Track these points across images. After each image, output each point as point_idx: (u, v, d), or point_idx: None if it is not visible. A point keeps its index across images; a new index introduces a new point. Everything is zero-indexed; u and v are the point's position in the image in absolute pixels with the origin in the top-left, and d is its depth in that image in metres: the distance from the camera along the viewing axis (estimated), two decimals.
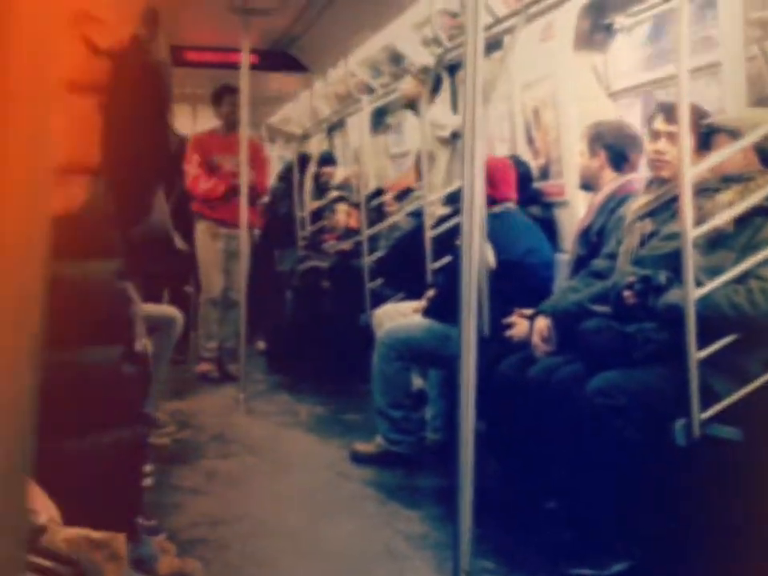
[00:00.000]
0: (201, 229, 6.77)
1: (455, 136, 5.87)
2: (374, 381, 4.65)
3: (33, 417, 0.49)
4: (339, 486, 4.22)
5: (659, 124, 3.58)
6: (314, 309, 6.80)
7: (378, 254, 6.21)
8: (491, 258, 4.35)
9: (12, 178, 0.52)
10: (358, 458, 4.58)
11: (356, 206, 7.13)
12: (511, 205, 4.70)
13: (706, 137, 3.35)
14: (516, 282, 4.38)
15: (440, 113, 6.03)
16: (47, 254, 0.52)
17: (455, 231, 4.91)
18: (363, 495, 4.08)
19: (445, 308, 4.39)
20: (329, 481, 4.29)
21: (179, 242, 5.24)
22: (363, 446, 4.64)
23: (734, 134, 3.21)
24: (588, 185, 4.23)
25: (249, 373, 6.03)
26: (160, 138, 1.55)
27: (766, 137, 3.16)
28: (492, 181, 4.55)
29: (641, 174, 4.16)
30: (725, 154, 3.17)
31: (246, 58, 5.82)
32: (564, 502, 3.38)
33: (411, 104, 6.19)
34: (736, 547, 2.98)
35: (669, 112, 3.53)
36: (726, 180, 3.22)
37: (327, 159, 9.03)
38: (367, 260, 6.18)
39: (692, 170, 3.00)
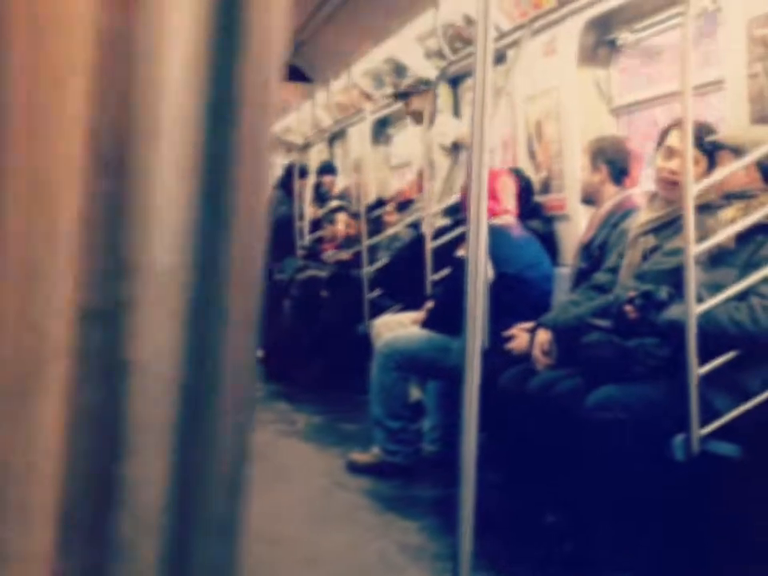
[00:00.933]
0: None
1: (456, 147, 5.89)
2: (372, 391, 4.65)
3: None
4: (336, 495, 4.22)
5: (674, 141, 3.55)
6: (312, 318, 6.80)
7: (378, 264, 6.22)
8: (489, 271, 4.35)
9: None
10: (355, 468, 4.58)
11: (355, 216, 7.14)
12: (510, 218, 4.72)
13: (711, 154, 3.36)
14: (515, 294, 4.39)
15: (442, 120, 6.05)
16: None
17: (455, 243, 4.94)
18: (360, 505, 4.08)
19: (444, 319, 4.40)
20: (326, 490, 4.28)
21: None
22: (360, 456, 4.63)
23: (737, 151, 3.22)
24: (589, 199, 4.26)
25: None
26: None
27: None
28: (492, 193, 4.57)
29: (641, 188, 4.17)
30: (726, 172, 3.18)
31: None
32: (564, 515, 3.38)
33: (415, 115, 6.21)
34: (735, 562, 2.98)
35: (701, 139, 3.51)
36: (729, 197, 3.23)
37: (327, 169, 9.06)
38: (366, 270, 6.18)
39: (695, 187, 3.01)
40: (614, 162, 4.08)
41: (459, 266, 2.64)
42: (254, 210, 0.52)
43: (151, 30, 0.50)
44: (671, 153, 3.55)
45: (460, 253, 4.50)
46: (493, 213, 4.56)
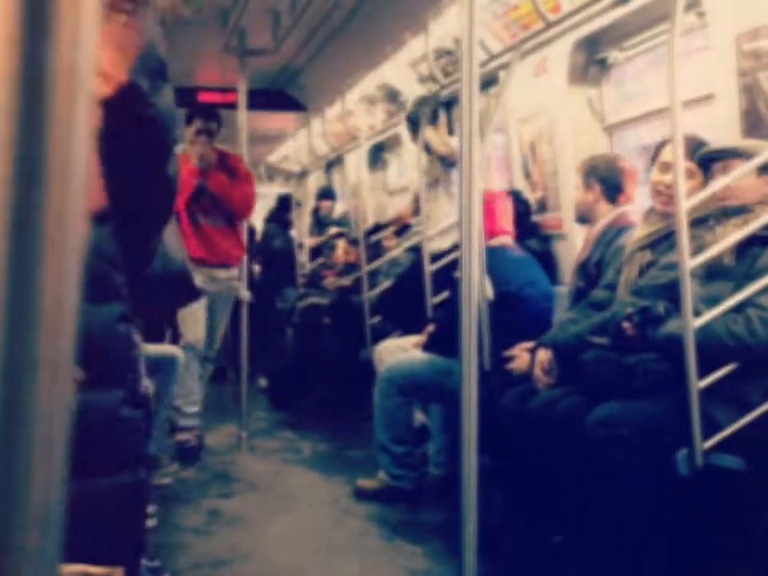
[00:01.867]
0: None
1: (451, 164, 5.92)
2: (376, 416, 4.65)
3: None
4: (343, 522, 4.21)
5: (669, 156, 3.55)
6: (314, 345, 6.80)
7: (378, 289, 6.23)
8: (489, 291, 4.36)
9: None
10: (362, 494, 4.57)
11: (354, 242, 7.16)
12: (508, 239, 4.73)
13: (706, 167, 3.36)
14: (515, 313, 4.39)
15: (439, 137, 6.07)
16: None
17: (454, 265, 4.95)
18: (367, 531, 4.07)
19: (444, 341, 4.41)
20: (333, 518, 4.28)
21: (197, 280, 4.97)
22: (366, 482, 4.63)
23: (744, 156, 3.20)
24: (584, 217, 4.26)
25: (251, 410, 6.02)
26: (163, 182, 1.56)
27: None
28: (489, 215, 4.59)
29: (636, 205, 4.19)
30: (732, 177, 3.17)
31: (242, 98, 5.87)
32: (569, 534, 3.37)
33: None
34: (742, 575, 2.97)
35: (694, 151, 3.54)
36: (729, 213, 3.22)
37: (326, 194, 9.10)
38: (367, 296, 6.20)
39: (688, 201, 3.02)
40: (607, 180, 4.10)
41: (459, 288, 2.65)
42: (68, 246, 0.52)
43: None
44: (666, 167, 3.56)
45: (458, 274, 4.51)
46: (491, 234, 4.58)
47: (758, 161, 3.16)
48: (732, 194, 3.24)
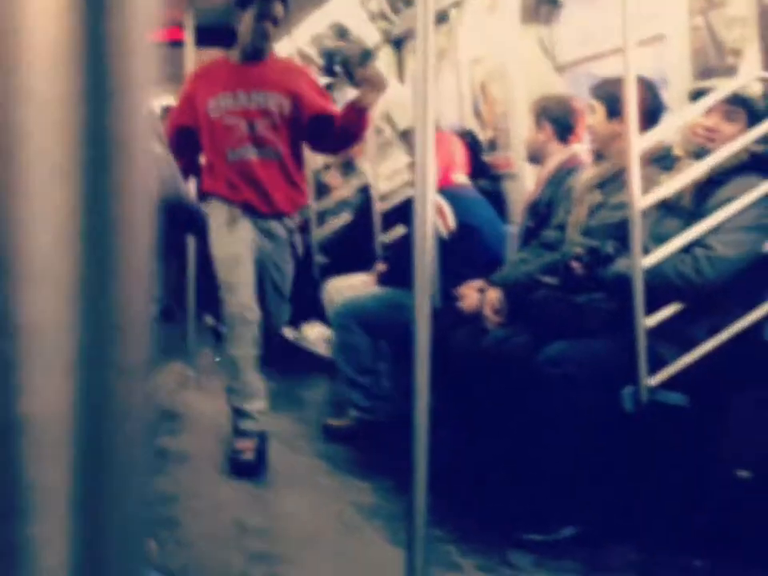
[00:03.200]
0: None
1: (405, 134, 5.84)
2: (336, 353, 4.57)
3: None
4: (290, 459, 4.22)
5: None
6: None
7: (327, 228, 6.20)
8: (451, 221, 4.37)
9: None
10: (331, 434, 4.50)
11: None
12: (465, 178, 4.72)
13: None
14: (476, 246, 4.40)
15: (392, 96, 6.00)
16: None
17: (404, 204, 4.94)
18: (315, 468, 4.09)
19: (398, 278, 4.42)
20: (281, 454, 4.28)
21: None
22: (336, 421, 4.59)
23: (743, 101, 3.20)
24: (535, 157, 4.27)
25: (198, 348, 6.00)
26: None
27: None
28: (445, 156, 4.58)
29: (586, 145, 4.19)
30: (695, 111, 3.17)
31: (189, 35, 5.75)
32: (514, 469, 3.41)
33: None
34: (682, 511, 3.04)
35: (597, 87, 3.59)
36: (700, 154, 3.20)
37: None
38: (315, 234, 6.16)
39: (639, 143, 3.04)
40: (559, 120, 4.10)
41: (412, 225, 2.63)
42: (138, 253, 0.52)
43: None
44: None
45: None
46: (447, 175, 4.58)
47: (716, 95, 3.15)
48: (714, 138, 3.22)
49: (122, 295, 0.52)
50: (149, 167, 0.53)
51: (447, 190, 4.41)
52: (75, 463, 0.51)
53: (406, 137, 5.81)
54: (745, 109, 3.20)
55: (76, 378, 0.50)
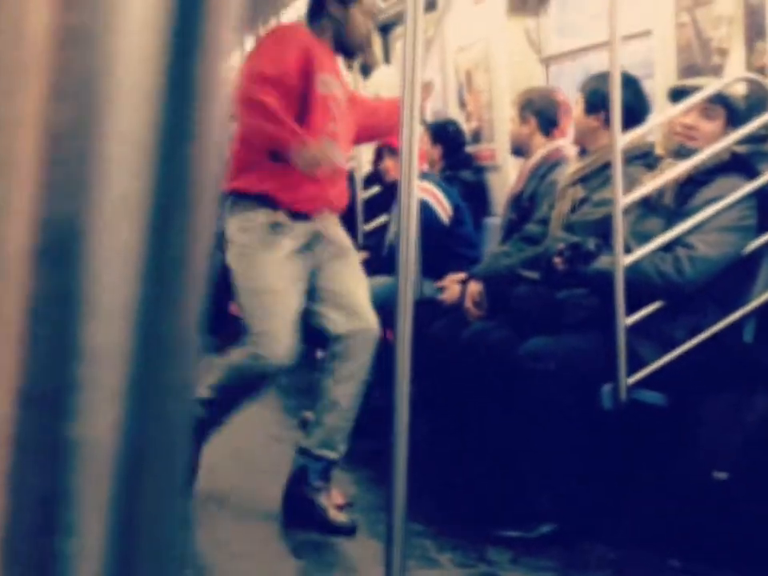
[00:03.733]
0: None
1: None
2: None
3: None
4: (271, 448, 4.22)
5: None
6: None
7: None
8: (447, 207, 4.41)
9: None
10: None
11: None
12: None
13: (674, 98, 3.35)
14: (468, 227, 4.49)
15: (380, 80, 5.97)
16: None
17: (387, 192, 4.93)
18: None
19: (380, 267, 4.42)
20: (260, 443, 4.28)
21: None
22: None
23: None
24: (519, 150, 4.26)
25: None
26: None
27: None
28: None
29: (570, 139, 4.19)
30: (675, 111, 3.18)
31: None
32: (493, 464, 3.42)
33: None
34: (659, 510, 3.06)
35: (584, 82, 3.62)
36: (682, 154, 3.21)
37: None
38: None
39: (624, 138, 3.04)
40: (543, 114, 4.10)
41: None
42: (195, 285, 0.54)
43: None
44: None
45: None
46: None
47: (701, 95, 3.16)
48: (693, 136, 3.22)
49: (178, 324, 0.54)
50: (214, 208, 0.55)
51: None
52: (118, 483, 0.53)
53: None
54: (724, 106, 3.21)
55: (128, 402, 0.53)
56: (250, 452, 4.16)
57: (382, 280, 4.61)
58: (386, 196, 4.86)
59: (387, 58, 6.58)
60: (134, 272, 0.51)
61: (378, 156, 4.74)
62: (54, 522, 0.52)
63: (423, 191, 4.54)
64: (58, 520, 0.52)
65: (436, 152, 4.87)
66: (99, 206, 0.49)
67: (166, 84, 0.50)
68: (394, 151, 4.62)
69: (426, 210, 4.49)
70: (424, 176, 4.60)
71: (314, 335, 4.06)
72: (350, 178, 5.75)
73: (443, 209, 4.49)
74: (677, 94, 3.32)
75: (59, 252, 0.48)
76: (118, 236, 0.49)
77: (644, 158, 3.33)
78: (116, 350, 0.50)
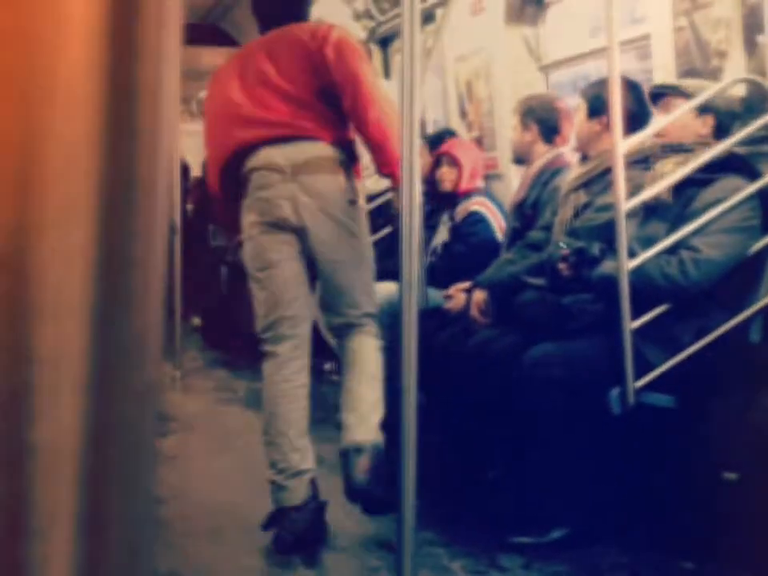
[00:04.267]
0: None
1: None
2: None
3: None
4: None
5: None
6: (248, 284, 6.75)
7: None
8: (502, 223, 4.44)
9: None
10: None
11: None
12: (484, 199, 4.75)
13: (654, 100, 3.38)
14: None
15: None
16: None
17: (387, 206, 4.94)
18: None
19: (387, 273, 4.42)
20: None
21: None
22: None
23: (686, 95, 3.23)
24: (521, 158, 4.27)
25: (184, 349, 5.99)
26: None
27: (727, 106, 3.19)
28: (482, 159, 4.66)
29: (572, 146, 4.20)
30: (671, 118, 3.20)
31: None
32: (504, 471, 3.42)
33: None
34: (670, 512, 3.05)
35: (585, 87, 3.63)
36: (667, 150, 3.25)
37: None
38: None
39: (625, 143, 3.04)
40: (545, 121, 4.10)
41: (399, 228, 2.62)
42: (150, 284, 0.53)
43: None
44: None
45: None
46: (465, 191, 4.62)
47: (699, 99, 3.18)
48: (668, 132, 3.27)
49: (134, 324, 0.53)
50: (166, 207, 0.54)
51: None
52: (82, 485, 0.52)
53: None
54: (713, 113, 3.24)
55: (88, 403, 0.51)
56: (256, 464, 4.16)
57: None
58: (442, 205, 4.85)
59: (387, 71, 6.59)
60: (85, 274, 0.50)
61: (437, 163, 4.73)
62: (19, 527, 0.51)
63: (481, 205, 4.58)
64: (23, 526, 0.51)
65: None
66: (46, 208, 0.48)
67: (109, 86, 0.50)
68: (452, 161, 4.65)
69: (482, 223, 4.53)
70: (485, 191, 4.67)
71: (320, 347, 4.05)
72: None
73: (499, 225, 4.53)
74: (655, 96, 3.36)
75: (7, 256, 0.47)
76: (66, 238, 0.48)
77: (645, 163, 3.33)
78: (71, 353, 0.49)
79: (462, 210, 4.58)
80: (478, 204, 4.58)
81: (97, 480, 0.53)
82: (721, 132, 3.24)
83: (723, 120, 3.24)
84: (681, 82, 3.41)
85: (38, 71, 0.48)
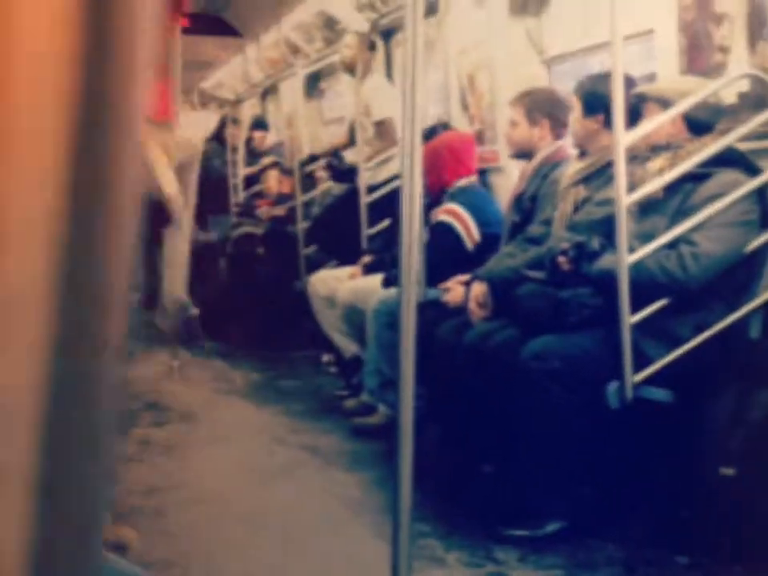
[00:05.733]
0: None
1: (379, 124, 5.81)
2: (376, 353, 4.42)
3: None
4: (276, 451, 4.22)
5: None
6: (248, 275, 6.76)
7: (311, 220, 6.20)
8: (476, 234, 4.37)
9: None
10: (360, 432, 4.37)
11: (288, 171, 7.09)
12: (474, 178, 4.70)
13: (636, 106, 3.38)
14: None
15: (375, 81, 5.97)
16: None
17: (390, 197, 4.93)
18: (300, 460, 4.08)
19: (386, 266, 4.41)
20: (266, 447, 4.28)
21: None
22: (364, 420, 4.42)
23: (664, 102, 3.24)
24: (524, 153, 4.19)
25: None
26: None
27: (695, 105, 3.19)
28: (459, 157, 4.58)
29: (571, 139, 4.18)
30: (656, 123, 3.21)
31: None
32: (500, 464, 3.42)
33: (349, 68, 6.12)
34: (666, 507, 3.05)
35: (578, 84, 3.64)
36: (656, 149, 3.26)
37: (259, 124, 8.95)
38: (301, 226, 6.16)
39: (626, 139, 3.04)
40: (555, 115, 4.05)
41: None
42: (122, 232, 0.51)
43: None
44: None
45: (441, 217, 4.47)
46: (469, 172, 4.59)
47: (690, 99, 3.17)
48: (660, 131, 3.25)
49: (103, 275, 0.51)
50: (135, 209, 0.53)
51: (459, 189, 4.47)
52: (39, 444, 0.50)
53: (379, 127, 5.80)
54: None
55: (46, 357, 0.49)
56: (254, 455, 4.16)
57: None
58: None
59: (389, 65, 6.58)
60: (52, 211, 0.48)
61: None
62: None
63: (449, 214, 4.49)
64: None
65: None
66: (13, 206, 0.46)
67: (80, 88, 0.49)
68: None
69: (449, 234, 4.45)
70: (459, 193, 4.59)
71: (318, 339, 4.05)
72: (351, 180, 5.77)
73: (469, 235, 4.45)
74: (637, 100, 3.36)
75: None
76: (31, 245, 0.47)
77: (635, 160, 3.32)
78: (32, 300, 0.47)
79: (433, 215, 4.51)
80: (446, 212, 4.49)
81: (55, 440, 0.51)
82: (700, 129, 3.23)
83: (699, 117, 3.22)
84: (664, 87, 3.38)
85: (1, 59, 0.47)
